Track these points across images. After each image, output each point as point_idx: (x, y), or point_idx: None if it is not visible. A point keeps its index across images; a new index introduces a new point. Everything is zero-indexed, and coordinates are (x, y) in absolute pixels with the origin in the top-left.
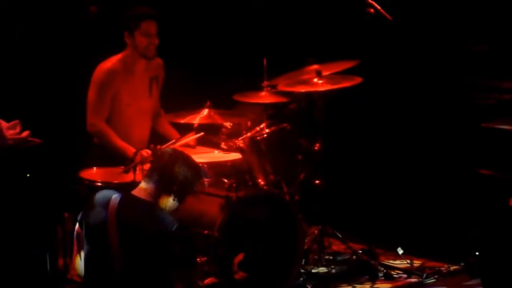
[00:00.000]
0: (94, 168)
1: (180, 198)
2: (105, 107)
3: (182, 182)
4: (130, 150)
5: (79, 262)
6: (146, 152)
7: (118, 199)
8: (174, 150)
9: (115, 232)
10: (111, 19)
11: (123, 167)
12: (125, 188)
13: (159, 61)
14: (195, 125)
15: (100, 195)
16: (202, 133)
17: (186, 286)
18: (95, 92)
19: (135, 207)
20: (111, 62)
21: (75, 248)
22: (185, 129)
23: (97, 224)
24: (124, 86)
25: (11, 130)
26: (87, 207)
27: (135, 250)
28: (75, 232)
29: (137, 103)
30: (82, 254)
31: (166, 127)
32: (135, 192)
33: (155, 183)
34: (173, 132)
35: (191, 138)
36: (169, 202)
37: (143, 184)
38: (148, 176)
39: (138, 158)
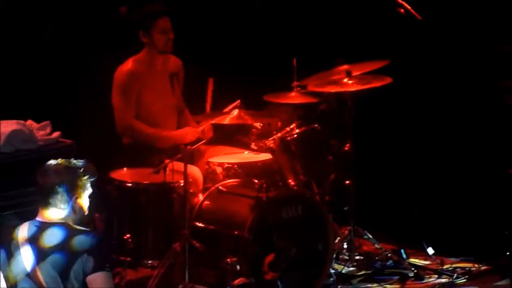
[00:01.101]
0: (125, 168)
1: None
2: (131, 107)
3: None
4: (169, 132)
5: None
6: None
7: (26, 227)
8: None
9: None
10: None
11: (153, 167)
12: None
13: (177, 60)
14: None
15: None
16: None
17: None
18: (119, 96)
19: (42, 232)
20: (130, 63)
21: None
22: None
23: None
24: (146, 85)
25: (42, 131)
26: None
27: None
28: None
29: (161, 100)
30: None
31: (191, 125)
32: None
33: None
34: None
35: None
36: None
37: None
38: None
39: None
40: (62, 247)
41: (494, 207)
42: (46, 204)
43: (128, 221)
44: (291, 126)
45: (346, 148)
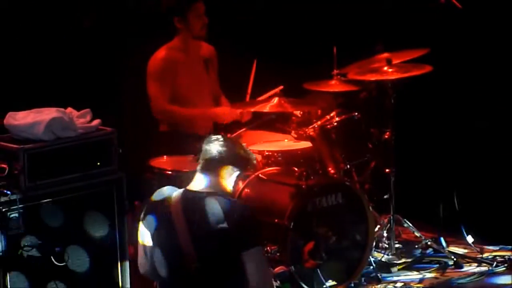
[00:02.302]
0: (164, 156)
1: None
2: (165, 93)
3: (235, 160)
4: (209, 109)
5: (143, 262)
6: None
7: (180, 195)
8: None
9: (183, 228)
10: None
11: (193, 155)
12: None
13: (210, 46)
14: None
15: (158, 194)
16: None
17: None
18: (154, 83)
19: (197, 201)
20: (164, 50)
21: (139, 247)
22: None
23: (163, 223)
24: (181, 70)
25: (82, 118)
26: (148, 206)
27: (205, 244)
28: (138, 232)
29: (196, 85)
30: (147, 252)
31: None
32: (192, 187)
33: (210, 173)
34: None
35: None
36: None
37: (198, 181)
38: (200, 169)
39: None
40: (216, 217)
41: None
42: (206, 171)
43: None
44: (331, 114)
45: (386, 136)
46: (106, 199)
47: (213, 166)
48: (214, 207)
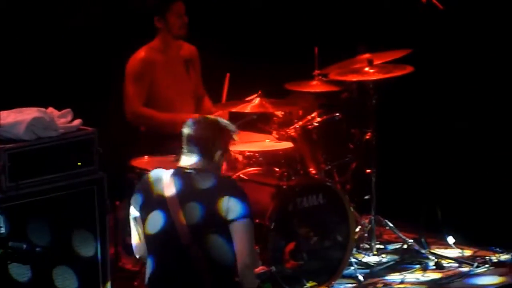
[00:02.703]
0: (146, 156)
1: (224, 151)
2: (142, 95)
3: (217, 138)
4: (179, 115)
5: (138, 246)
6: None
7: (171, 175)
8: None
9: (177, 206)
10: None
11: (174, 155)
12: None
13: (191, 46)
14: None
15: (152, 173)
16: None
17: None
18: (131, 84)
19: (188, 178)
20: (143, 51)
21: (133, 230)
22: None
23: (157, 201)
24: (160, 70)
25: (63, 118)
26: (140, 187)
27: (197, 219)
28: (130, 216)
29: (176, 86)
30: (140, 235)
31: (211, 110)
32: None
33: (196, 154)
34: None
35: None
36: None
37: (185, 161)
38: (187, 152)
39: None
40: (207, 191)
41: None
42: (191, 152)
43: None
44: (313, 115)
45: (368, 137)
46: (87, 199)
47: (197, 148)
48: (206, 182)
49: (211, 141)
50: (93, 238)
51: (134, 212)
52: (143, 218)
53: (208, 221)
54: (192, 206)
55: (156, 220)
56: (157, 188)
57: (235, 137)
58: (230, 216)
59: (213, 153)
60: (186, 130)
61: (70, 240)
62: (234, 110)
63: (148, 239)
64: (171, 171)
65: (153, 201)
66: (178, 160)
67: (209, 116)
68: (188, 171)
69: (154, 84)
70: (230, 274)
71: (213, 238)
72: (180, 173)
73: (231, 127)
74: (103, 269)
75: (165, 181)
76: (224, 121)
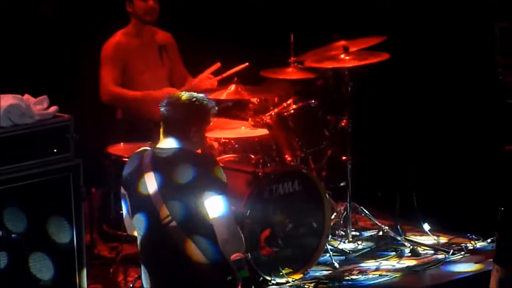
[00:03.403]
0: (121, 143)
1: (201, 133)
2: (115, 77)
3: (190, 117)
4: (152, 92)
5: (128, 223)
6: None
7: (149, 153)
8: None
9: (153, 183)
10: None
11: (150, 142)
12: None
13: (166, 33)
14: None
15: (133, 155)
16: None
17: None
18: (105, 66)
19: (166, 157)
20: (117, 36)
21: (124, 209)
22: None
23: (135, 179)
24: (134, 55)
25: (39, 105)
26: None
27: (175, 196)
28: (121, 194)
29: (150, 70)
30: (129, 212)
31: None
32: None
33: (172, 134)
34: None
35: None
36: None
37: (163, 143)
38: (164, 132)
39: None
40: (185, 171)
41: (490, 183)
42: (168, 133)
43: None
44: (288, 102)
45: (343, 124)
46: (63, 186)
47: (172, 128)
48: (183, 160)
49: (183, 120)
50: (69, 225)
51: (123, 190)
52: (131, 213)
53: (187, 201)
54: (171, 187)
55: (141, 221)
56: (138, 181)
57: (213, 110)
58: (212, 215)
59: (188, 132)
60: (161, 110)
61: (45, 227)
62: (210, 97)
63: (135, 221)
64: (148, 157)
65: (137, 199)
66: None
67: (183, 93)
68: (167, 150)
69: (128, 68)
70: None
71: (193, 217)
72: (159, 161)
73: (208, 102)
74: (79, 256)
75: (145, 173)
76: (200, 96)
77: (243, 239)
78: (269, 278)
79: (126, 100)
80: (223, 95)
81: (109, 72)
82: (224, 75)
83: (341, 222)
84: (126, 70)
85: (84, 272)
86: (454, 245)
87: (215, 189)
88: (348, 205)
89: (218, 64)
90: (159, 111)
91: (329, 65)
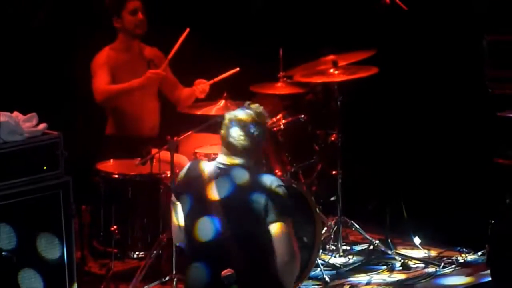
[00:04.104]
0: (111, 160)
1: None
2: (107, 78)
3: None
4: (137, 80)
5: (177, 230)
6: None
7: (211, 166)
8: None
9: (216, 199)
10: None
11: (139, 159)
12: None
13: (156, 50)
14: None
15: (191, 165)
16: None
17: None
18: (97, 73)
19: (230, 173)
20: (105, 50)
21: (173, 216)
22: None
23: (195, 191)
24: (123, 69)
25: (28, 122)
26: (180, 185)
27: (237, 213)
28: (171, 204)
29: None
30: (180, 222)
31: (185, 92)
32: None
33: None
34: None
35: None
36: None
37: (225, 157)
38: (226, 147)
39: (154, 150)
40: (250, 189)
41: (480, 196)
42: (228, 150)
43: (115, 212)
44: (278, 117)
45: (333, 139)
46: (53, 203)
47: (236, 149)
48: (247, 178)
49: (251, 141)
50: (59, 241)
51: (174, 199)
52: (191, 222)
53: (249, 219)
54: (233, 204)
55: (206, 227)
56: (197, 184)
57: (268, 119)
58: (275, 235)
59: (254, 152)
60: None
61: (36, 244)
62: (199, 112)
63: (195, 243)
64: (211, 164)
65: (200, 205)
66: (143, 163)
67: (238, 114)
68: (231, 166)
69: (116, 79)
70: (267, 269)
71: (253, 235)
72: (222, 169)
73: (263, 113)
74: (69, 273)
75: (206, 176)
76: (254, 110)
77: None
78: None
79: (120, 91)
80: (213, 110)
81: (101, 75)
82: (216, 79)
83: (332, 236)
84: (113, 82)
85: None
86: (445, 259)
87: (281, 211)
88: (338, 219)
89: (237, 69)
90: (148, 126)
91: (318, 79)
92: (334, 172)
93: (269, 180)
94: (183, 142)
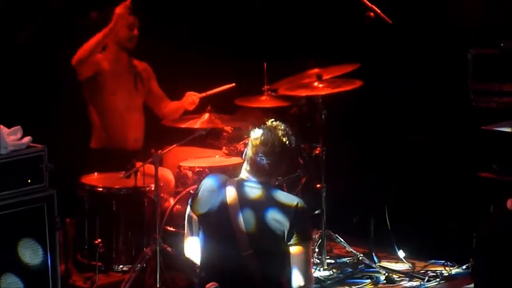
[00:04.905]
0: (95, 173)
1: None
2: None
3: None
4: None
5: (190, 245)
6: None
7: (234, 185)
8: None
9: (238, 217)
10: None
11: (123, 172)
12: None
13: (142, 62)
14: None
15: (211, 181)
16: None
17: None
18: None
19: (253, 192)
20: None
21: (186, 230)
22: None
23: (216, 210)
24: (108, 74)
25: (12, 136)
26: (199, 193)
27: (260, 235)
28: (186, 216)
29: (122, 93)
30: (194, 237)
31: (173, 106)
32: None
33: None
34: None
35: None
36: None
37: (249, 174)
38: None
39: (138, 164)
40: (273, 211)
41: (465, 210)
42: (254, 168)
43: (99, 225)
44: None
45: (317, 152)
46: (37, 216)
47: (265, 170)
48: (270, 198)
49: (278, 164)
50: (44, 255)
51: (190, 212)
52: (210, 241)
53: (270, 240)
54: (256, 224)
55: (218, 233)
56: (219, 209)
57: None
58: (293, 239)
59: (278, 173)
60: (257, 148)
61: (20, 256)
62: (183, 126)
63: (208, 243)
64: (234, 181)
65: (215, 227)
66: (127, 176)
67: (278, 141)
68: (255, 185)
69: (100, 81)
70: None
71: (272, 254)
72: (245, 187)
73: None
74: (54, 286)
75: (229, 193)
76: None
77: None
78: None
79: (94, 42)
80: (197, 124)
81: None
82: (209, 93)
83: (316, 249)
84: (98, 88)
85: None
86: (430, 272)
87: (303, 235)
88: (323, 232)
89: (233, 85)
90: (132, 139)
91: (303, 93)
92: (318, 185)
93: (294, 201)
94: (167, 155)
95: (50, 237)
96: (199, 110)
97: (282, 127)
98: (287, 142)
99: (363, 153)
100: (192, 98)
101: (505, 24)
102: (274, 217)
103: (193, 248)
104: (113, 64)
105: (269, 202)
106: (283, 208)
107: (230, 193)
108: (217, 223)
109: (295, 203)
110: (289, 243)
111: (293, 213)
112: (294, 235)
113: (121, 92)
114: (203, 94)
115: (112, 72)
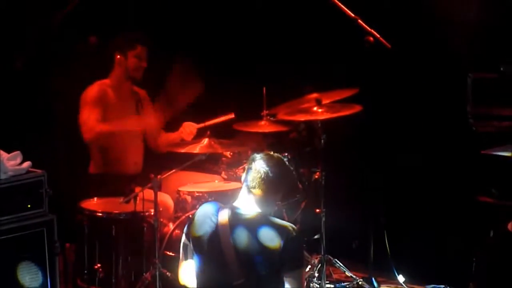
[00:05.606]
0: (95, 198)
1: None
2: (98, 115)
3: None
4: (132, 120)
5: (184, 272)
6: None
7: (228, 211)
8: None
9: (231, 247)
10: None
11: (123, 197)
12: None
13: (141, 90)
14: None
15: (206, 207)
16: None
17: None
18: (86, 108)
19: (246, 222)
20: (98, 83)
21: (182, 257)
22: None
23: (209, 236)
24: (113, 103)
25: (12, 161)
26: (194, 219)
27: (251, 261)
28: (181, 243)
29: (124, 118)
30: (188, 264)
31: (170, 137)
32: (239, 206)
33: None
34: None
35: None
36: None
37: (244, 202)
38: (250, 188)
39: (137, 189)
40: (268, 239)
41: (464, 234)
42: (252, 191)
43: (99, 250)
44: None
45: (316, 177)
46: (37, 241)
47: (263, 191)
48: (263, 228)
49: (280, 186)
50: (43, 279)
51: (185, 240)
52: (197, 248)
53: (263, 269)
54: (248, 254)
55: (210, 263)
56: (212, 237)
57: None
58: (286, 267)
59: (276, 199)
60: (259, 169)
61: (20, 281)
62: (183, 151)
63: (201, 272)
64: (227, 211)
65: (208, 254)
66: (126, 201)
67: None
68: (248, 215)
69: (105, 115)
70: None
71: (265, 283)
72: (238, 217)
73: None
74: None
75: (221, 223)
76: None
77: None
78: None
79: (109, 134)
80: (196, 149)
81: (92, 110)
82: (207, 123)
83: (316, 274)
84: (104, 115)
85: None
86: None
87: (297, 263)
88: (322, 257)
89: (232, 115)
90: (132, 164)
91: (302, 117)
92: (317, 210)
93: (287, 228)
94: (166, 180)
95: (50, 262)
96: (198, 135)
97: (279, 156)
98: (283, 172)
99: (362, 178)
100: (190, 129)
101: (505, 48)
102: (266, 241)
103: (188, 274)
104: (116, 91)
105: (261, 225)
106: (276, 231)
107: (223, 218)
108: (210, 250)
109: (288, 228)
110: (283, 270)
111: (285, 238)
112: (287, 261)
113: (123, 117)
114: (201, 125)
115: (116, 101)
